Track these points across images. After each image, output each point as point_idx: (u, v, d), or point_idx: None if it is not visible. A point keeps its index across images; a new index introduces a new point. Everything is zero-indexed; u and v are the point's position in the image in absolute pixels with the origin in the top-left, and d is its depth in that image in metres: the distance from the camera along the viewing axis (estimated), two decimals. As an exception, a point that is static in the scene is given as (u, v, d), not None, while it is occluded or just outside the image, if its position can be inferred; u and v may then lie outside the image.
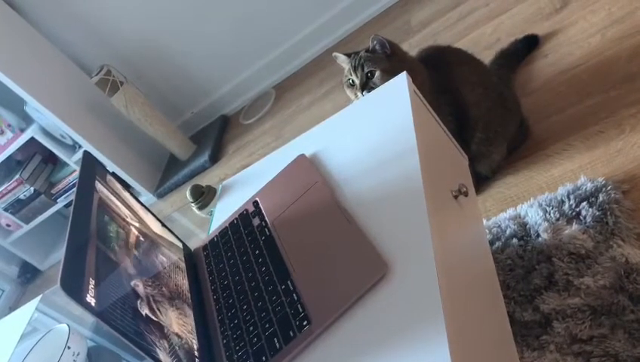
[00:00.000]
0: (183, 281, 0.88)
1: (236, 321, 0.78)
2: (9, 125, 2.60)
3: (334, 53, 1.37)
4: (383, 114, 0.91)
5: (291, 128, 2.43)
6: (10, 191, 2.81)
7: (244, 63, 2.75)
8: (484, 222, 1.30)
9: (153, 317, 0.72)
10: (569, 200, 1.18)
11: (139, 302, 0.72)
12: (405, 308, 0.62)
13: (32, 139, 2.58)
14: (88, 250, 0.70)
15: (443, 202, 0.81)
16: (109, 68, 2.49)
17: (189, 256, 0.99)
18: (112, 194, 0.86)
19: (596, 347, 0.94)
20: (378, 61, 1.28)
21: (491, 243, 1.23)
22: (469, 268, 0.80)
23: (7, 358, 1.18)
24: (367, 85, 1.28)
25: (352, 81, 1.31)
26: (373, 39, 1.29)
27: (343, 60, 1.36)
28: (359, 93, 1.29)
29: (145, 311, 0.72)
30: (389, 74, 1.23)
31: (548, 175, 1.31)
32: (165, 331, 0.72)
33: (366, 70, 1.28)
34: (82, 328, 1.09)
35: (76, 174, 2.69)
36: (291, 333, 0.69)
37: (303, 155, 0.98)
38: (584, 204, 1.15)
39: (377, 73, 1.27)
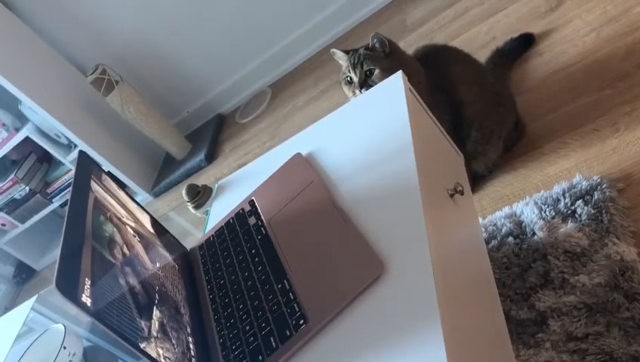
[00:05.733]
0: (178, 281, 0.88)
1: (232, 320, 0.78)
2: (4, 124, 2.59)
3: (332, 50, 1.37)
4: (379, 113, 0.91)
5: (287, 127, 2.42)
6: (5, 191, 2.80)
7: (240, 62, 2.75)
8: (480, 220, 1.30)
9: (149, 317, 0.72)
10: (564, 198, 1.18)
11: (134, 301, 0.72)
12: (401, 307, 0.62)
13: (27, 138, 2.57)
14: (84, 250, 0.70)
15: (439, 201, 0.81)
16: (105, 67, 2.48)
17: (185, 255, 0.99)
18: (107, 193, 0.86)
19: (591, 344, 0.94)
20: (377, 59, 1.28)
21: (487, 241, 1.24)
22: (465, 266, 0.80)
23: (2, 358, 1.18)
24: (365, 83, 1.28)
25: (350, 78, 1.31)
26: (373, 37, 1.29)
27: (340, 57, 1.36)
28: (357, 91, 1.29)
29: (140, 310, 0.71)
30: (388, 72, 1.22)
31: (543, 173, 1.31)
32: (161, 330, 0.72)
33: (365, 68, 1.28)
34: (78, 328, 1.09)
35: (71, 174, 2.69)
36: (288, 332, 0.69)
37: (299, 154, 0.98)
38: (579, 202, 1.15)
39: (377, 72, 1.27)
